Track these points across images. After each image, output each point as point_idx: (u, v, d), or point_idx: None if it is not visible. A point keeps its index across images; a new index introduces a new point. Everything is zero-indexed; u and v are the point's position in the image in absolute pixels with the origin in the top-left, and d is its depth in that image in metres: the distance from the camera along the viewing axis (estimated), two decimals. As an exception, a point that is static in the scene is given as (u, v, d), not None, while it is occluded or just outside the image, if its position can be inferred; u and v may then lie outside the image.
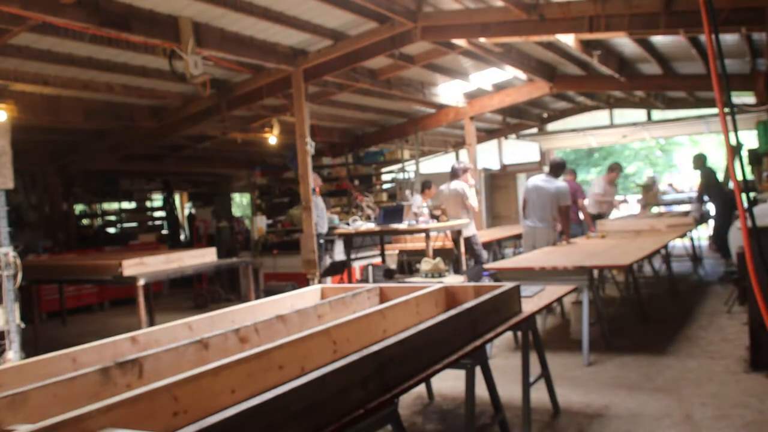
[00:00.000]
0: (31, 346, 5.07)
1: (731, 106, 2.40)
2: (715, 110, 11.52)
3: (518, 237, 10.75)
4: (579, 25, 6.15)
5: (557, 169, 7.19)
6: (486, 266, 5.82)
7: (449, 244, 8.68)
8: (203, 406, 1.89)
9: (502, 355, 5.38)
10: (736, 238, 5.84)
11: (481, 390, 3.23)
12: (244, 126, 10.06)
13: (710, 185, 8.77)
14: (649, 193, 12.31)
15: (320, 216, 8.25)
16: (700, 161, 8.97)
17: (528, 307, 3.48)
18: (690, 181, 14.10)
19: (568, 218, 7.21)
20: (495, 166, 15.57)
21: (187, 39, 5.56)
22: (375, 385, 2.09)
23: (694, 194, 11.99)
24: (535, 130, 14.67)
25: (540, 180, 7.19)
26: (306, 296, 3.78)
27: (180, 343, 2.48)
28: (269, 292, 6.25)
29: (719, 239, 8.71)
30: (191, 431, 1.51)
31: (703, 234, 11.69)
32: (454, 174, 8.12)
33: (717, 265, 9.18)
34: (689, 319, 6.22)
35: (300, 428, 1.77)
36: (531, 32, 6.44)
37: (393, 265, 8.94)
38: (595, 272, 5.35)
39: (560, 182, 7.13)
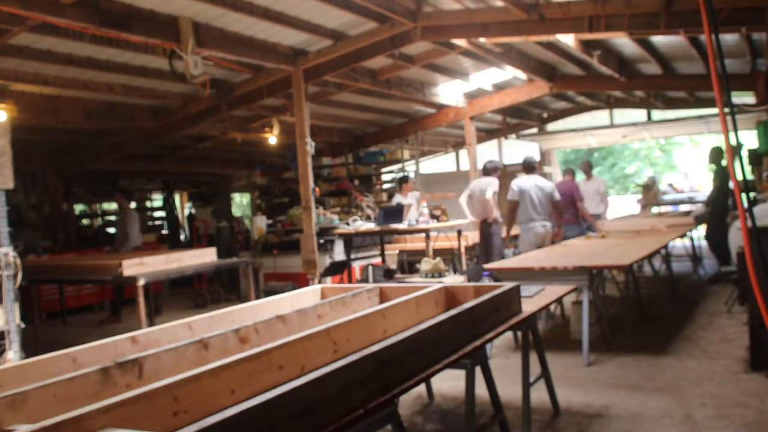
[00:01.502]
0: (31, 346, 5.07)
1: (731, 106, 2.40)
2: (715, 110, 11.53)
3: (518, 237, 10.75)
4: (579, 25, 6.15)
5: (533, 168, 7.72)
6: (486, 266, 5.82)
7: (453, 245, 8.69)
8: (203, 406, 1.89)
9: (502, 355, 5.38)
10: (736, 238, 5.84)
11: (481, 390, 3.23)
12: (244, 126, 10.07)
13: (722, 188, 8.08)
14: (649, 193, 12.32)
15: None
16: (717, 156, 8.22)
17: (528, 307, 3.49)
18: (690, 181, 14.05)
19: (561, 214, 7.68)
20: (495, 166, 15.56)
21: (187, 39, 5.56)
22: (375, 385, 2.09)
23: (695, 194, 11.97)
24: (535, 130, 14.67)
25: (532, 180, 7.54)
26: (306, 296, 3.78)
27: (180, 343, 2.48)
28: (269, 292, 6.25)
29: (717, 245, 8.24)
30: (191, 431, 1.51)
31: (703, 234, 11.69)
32: (485, 172, 8.51)
33: (716, 265, 9.17)
34: (689, 319, 6.22)
35: (300, 428, 1.77)
36: (531, 32, 6.44)
37: (393, 265, 8.95)
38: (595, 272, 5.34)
39: (546, 179, 7.66)
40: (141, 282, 5.39)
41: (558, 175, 16.55)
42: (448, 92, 10.30)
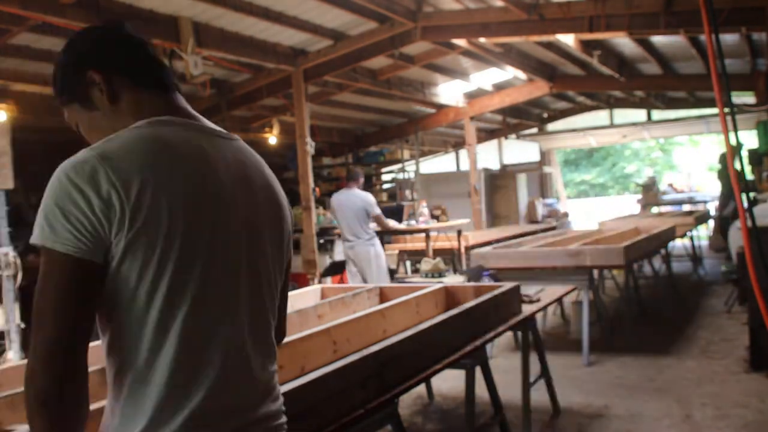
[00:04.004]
0: (31, 346, 5.08)
1: (731, 106, 2.40)
2: (715, 110, 11.53)
3: (517, 237, 10.76)
4: (579, 25, 6.15)
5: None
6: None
7: (453, 245, 8.70)
8: (203, 406, 1.89)
9: (502, 355, 5.38)
10: (736, 238, 5.84)
11: (481, 390, 3.23)
12: (244, 126, 10.06)
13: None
14: (649, 193, 12.33)
15: None
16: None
17: (528, 307, 3.49)
18: (691, 181, 14.07)
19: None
20: (495, 166, 15.57)
21: (187, 39, 5.56)
22: (375, 385, 2.09)
23: (695, 194, 11.93)
24: (535, 130, 14.68)
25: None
26: (306, 296, 3.78)
27: (180, 343, 2.48)
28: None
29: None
30: (191, 431, 1.50)
31: (703, 234, 11.70)
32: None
33: (717, 265, 9.17)
34: (689, 319, 6.22)
35: (300, 428, 1.77)
36: (531, 32, 6.44)
37: (393, 265, 8.95)
38: (595, 271, 5.34)
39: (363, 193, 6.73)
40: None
41: (558, 176, 16.59)
42: (448, 92, 10.30)
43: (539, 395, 3.97)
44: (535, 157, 15.53)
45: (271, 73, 7.60)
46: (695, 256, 9.29)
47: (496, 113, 12.14)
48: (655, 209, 12.23)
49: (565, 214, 13.84)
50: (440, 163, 15.97)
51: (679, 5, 5.66)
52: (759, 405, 3.82)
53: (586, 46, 7.48)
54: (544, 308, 3.77)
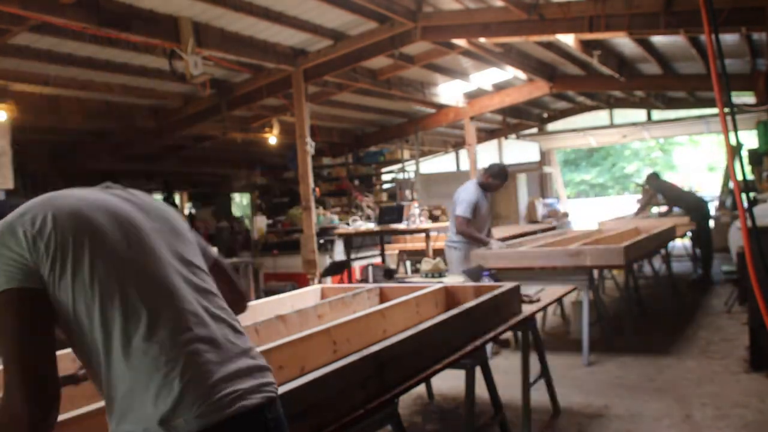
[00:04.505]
0: (31, 346, 5.08)
1: (731, 106, 2.41)
2: (715, 110, 11.53)
3: (517, 237, 10.76)
4: (579, 25, 6.15)
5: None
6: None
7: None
8: (203, 406, 1.89)
9: (502, 355, 5.38)
10: (736, 238, 5.84)
11: (481, 390, 3.23)
12: (244, 126, 10.06)
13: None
14: (649, 193, 12.27)
15: None
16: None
17: (528, 307, 3.49)
18: (690, 181, 14.06)
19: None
20: (495, 166, 15.55)
21: (187, 39, 5.56)
22: (375, 385, 2.09)
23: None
24: (535, 130, 14.67)
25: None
26: (306, 296, 3.77)
27: (180, 343, 2.47)
28: (269, 292, 6.25)
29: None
30: (191, 431, 1.49)
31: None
32: None
33: (717, 265, 9.17)
34: (689, 319, 6.22)
35: (300, 428, 1.77)
36: (531, 32, 6.44)
37: (393, 265, 8.95)
38: (595, 271, 5.34)
39: None
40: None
41: (558, 176, 16.57)
42: (448, 92, 10.30)
43: (539, 395, 3.97)
44: (535, 157, 15.52)
45: (271, 73, 7.60)
46: (695, 256, 9.28)
47: (496, 113, 12.13)
48: (654, 209, 12.21)
49: (565, 214, 13.84)
50: (440, 163, 15.97)
51: (679, 5, 5.66)
52: (759, 405, 3.82)
53: (586, 46, 7.48)
54: (544, 308, 3.77)
